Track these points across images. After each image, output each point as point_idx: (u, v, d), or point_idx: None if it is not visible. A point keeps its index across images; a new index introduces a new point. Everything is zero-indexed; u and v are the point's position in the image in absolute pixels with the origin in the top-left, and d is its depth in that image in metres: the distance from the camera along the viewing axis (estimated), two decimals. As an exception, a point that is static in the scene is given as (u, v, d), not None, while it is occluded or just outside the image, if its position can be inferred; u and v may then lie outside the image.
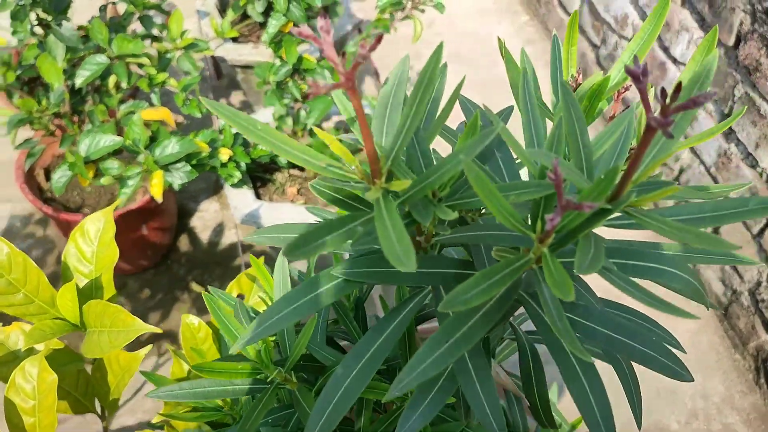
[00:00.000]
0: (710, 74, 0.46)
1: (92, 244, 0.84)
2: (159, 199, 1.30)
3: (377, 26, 1.41)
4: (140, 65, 1.45)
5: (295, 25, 1.43)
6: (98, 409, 0.91)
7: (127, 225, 1.60)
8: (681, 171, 1.86)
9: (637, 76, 0.38)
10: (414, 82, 0.43)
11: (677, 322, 1.70)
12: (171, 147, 1.32)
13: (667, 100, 0.38)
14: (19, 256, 0.78)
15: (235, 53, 1.83)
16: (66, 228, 1.64)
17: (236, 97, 2.16)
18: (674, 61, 1.81)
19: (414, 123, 0.43)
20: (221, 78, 2.18)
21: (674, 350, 0.52)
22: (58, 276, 1.45)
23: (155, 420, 0.78)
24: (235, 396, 0.60)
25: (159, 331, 0.76)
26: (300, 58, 1.39)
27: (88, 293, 0.84)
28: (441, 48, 0.44)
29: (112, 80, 1.44)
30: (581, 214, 0.42)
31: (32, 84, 1.69)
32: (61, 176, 1.33)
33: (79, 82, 1.40)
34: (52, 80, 1.42)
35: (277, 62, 1.43)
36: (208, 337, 0.83)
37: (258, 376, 0.61)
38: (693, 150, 1.78)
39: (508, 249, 0.45)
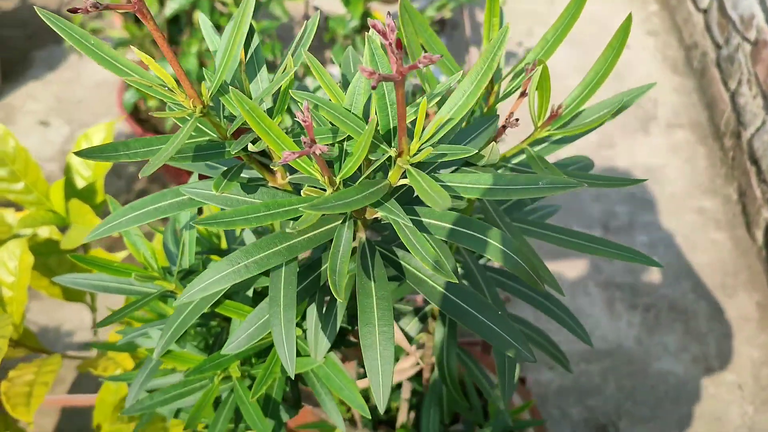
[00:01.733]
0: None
1: (95, 151, 0.93)
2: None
3: None
4: (224, 3, 1.54)
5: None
6: (88, 300, 1.02)
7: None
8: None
9: (383, 32, 0.38)
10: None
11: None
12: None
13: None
14: (22, 151, 0.88)
15: (329, 5, 1.88)
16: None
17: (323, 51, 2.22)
18: None
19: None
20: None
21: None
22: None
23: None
24: (130, 294, 0.66)
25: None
26: (365, 14, 1.42)
27: (85, 194, 0.93)
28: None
29: (196, 15, 1.54)
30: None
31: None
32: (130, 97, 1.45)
33: (167, 11, 1.51)
34: (150, 6, 1.54)
35: (348, 16, 1.47)
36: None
37: (155, 282, 0.66)
38: None
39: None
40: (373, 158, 0.44)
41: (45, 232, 0.97)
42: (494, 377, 1.24)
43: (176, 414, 0.71)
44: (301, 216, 0.46)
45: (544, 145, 0.67)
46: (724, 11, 2.01)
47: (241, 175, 0.56)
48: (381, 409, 0.47)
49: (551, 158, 0.67)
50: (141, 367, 0.66)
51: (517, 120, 0.57)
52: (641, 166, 2.07)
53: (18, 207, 1.00)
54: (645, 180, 0.58)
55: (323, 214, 0.49)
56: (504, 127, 0.57)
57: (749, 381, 1.65)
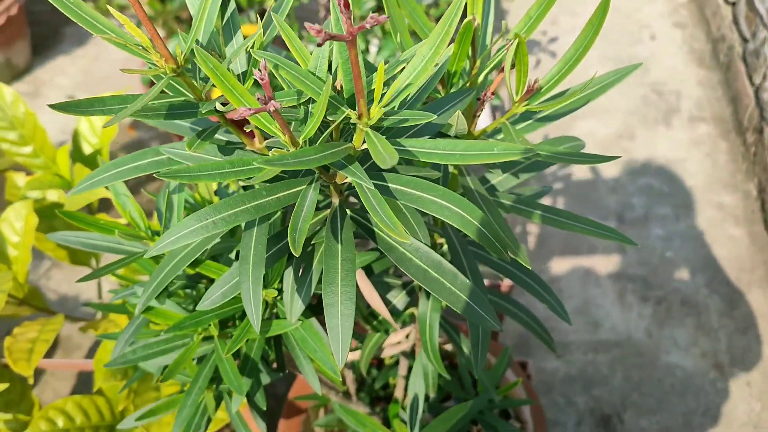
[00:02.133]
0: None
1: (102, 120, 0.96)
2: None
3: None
4: (243, -17, 1.56)
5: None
6: (93, 264, 1.05)
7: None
8: None
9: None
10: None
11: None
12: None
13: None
14: (31, 116, 0.91)
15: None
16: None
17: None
18: None
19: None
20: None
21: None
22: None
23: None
24: (119, 252, 0.68)
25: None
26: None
27: (90, 160, 0.96)
28: None
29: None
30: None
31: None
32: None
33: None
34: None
35: (365, -4, 1.48)
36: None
37: (142, 241, 0.68)
38: None
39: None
40: (332, 119, 0.46)
41: (53, 196, 1.00)
42: (491, 359, 1.25)
43: (163, 372, 0.73)
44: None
45: (528, 122, 0.67)
46: (752, 5, 1.98)
47: (222, 138, 0.58)
48: (340, 365, 0.49)
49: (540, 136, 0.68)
50: (128, 325, 0.68)
51: (493, 94, 0.58)
52: (661, 159, 2.05)
53: (29, 172, 1.04)
54: (617, 157, 0.59)
55: (291, 177, 0.51)
56: (481, 100, 0.58)
57: (758, 378, 1.64)
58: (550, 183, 2.00)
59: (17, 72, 2.16)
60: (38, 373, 1.42)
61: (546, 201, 1.96)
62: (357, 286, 0.72)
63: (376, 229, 0.59)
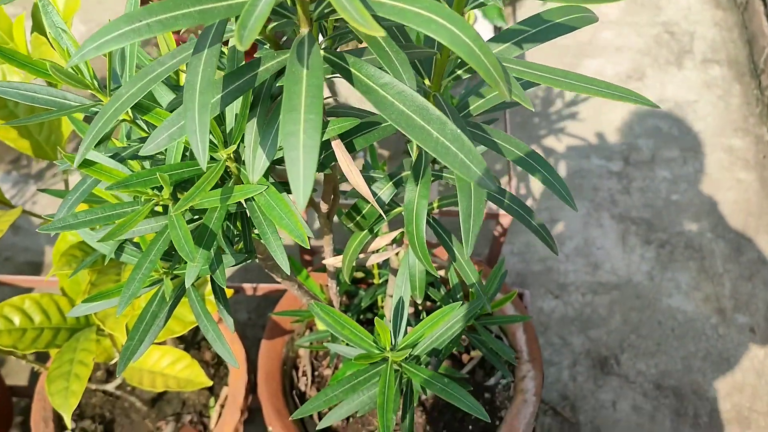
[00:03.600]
0: None
1: (64, -6, 0.87)
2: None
3: None
4: None
5: None
6: (59, 156, 0.96)
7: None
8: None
9: None
10: None
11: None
12: None
13: None
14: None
15: None
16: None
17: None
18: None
19: None
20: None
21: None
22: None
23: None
24: (62, 108, 0.60)
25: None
26: None
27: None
28: None
29: None
30: None
31: None
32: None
33: None
34: None
35: None
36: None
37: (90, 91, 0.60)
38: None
39: None
40: None
41: (16, 79, 0.92)
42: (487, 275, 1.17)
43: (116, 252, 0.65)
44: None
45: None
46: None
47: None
48: (301, 206, 0.41)
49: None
50: (74, 187, 0.60)
51: None
52: (671, 101, 1.96)
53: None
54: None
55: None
56: None
57: (763, 324, 1.57)
58: (555, 121, 1.91)
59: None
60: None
61: (550, 139, 1.88)
62: (334, 155, 0.64)
63: (352, 69, 0.51)
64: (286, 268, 0.59)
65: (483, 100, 0.66)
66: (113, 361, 1.02)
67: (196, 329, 1.18)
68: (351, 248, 0.82)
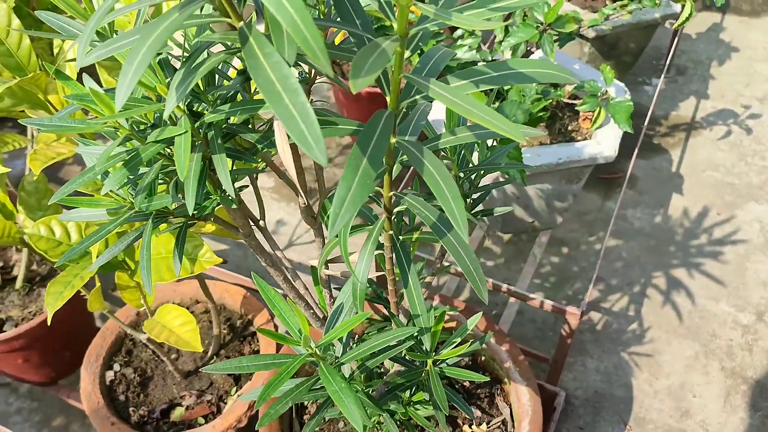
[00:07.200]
0: None
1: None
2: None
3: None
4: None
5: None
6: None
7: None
8: None
9: None
10: None
11: None
12: None
13: None
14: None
15: None
16: None
17: None
18: None
19: None
20: None
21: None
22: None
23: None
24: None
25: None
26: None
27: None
28: None
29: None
30: None
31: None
32: None
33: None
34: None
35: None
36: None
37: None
38: None
39: None
40: None
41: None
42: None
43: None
44: None
45: None
46: None
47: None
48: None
49: None
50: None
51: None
52: None
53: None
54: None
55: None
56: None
57: None
58: (693, 255, 1.80)
59: None
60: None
61: (681, 271, 1.76)
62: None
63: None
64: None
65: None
66: (142, 309, 1.15)
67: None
68: (324, 253, 0.88)
